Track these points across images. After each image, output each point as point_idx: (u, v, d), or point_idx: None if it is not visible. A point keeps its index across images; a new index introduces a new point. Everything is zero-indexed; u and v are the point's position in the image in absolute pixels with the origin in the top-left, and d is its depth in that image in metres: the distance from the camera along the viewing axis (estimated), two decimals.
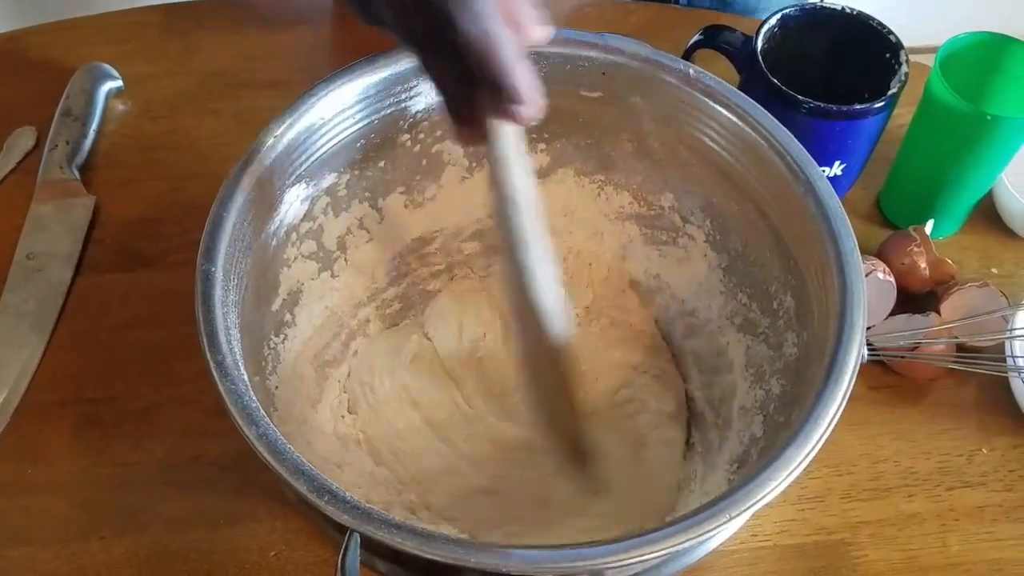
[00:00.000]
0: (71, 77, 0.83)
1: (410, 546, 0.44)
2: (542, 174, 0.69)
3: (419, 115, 0.63)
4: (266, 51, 0.89)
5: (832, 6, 0.74)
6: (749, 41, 0.73)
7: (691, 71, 0.62)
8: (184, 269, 0.73)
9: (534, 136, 0.67)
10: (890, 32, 0.72)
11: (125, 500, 0.64)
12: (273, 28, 0.91)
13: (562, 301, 0.56)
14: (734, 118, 0.61)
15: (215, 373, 0.49)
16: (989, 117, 0.68)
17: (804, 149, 0.59)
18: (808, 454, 0.48)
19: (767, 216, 0.61)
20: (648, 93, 0.63)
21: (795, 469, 0.48)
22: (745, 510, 0.47)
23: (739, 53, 0.73)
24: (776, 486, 0.47)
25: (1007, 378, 0.70)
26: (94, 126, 0.81)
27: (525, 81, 0.45)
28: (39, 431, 0.67)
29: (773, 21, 0.73)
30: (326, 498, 0.45)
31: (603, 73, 0.63)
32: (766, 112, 0.60)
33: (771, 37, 0.73)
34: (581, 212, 0.71)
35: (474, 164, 0.67)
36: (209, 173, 0.78)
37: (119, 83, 0.84)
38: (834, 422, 0.50)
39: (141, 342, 0.71)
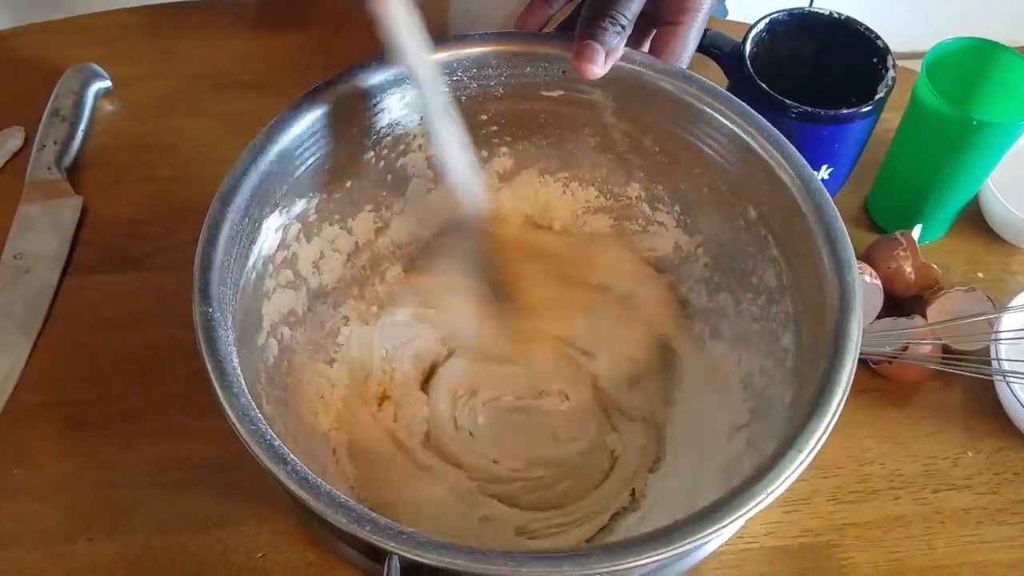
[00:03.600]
0: (59, 78, 0.83)
1: (460, 564, 0.45)
2: (506, 177, 0.69)
3: (383, 131, 0.63)
4: (253, 52, 0.89)
5: (820, 11, 0.74)
6: (737, 45, 0.73)
7: (651, 59, 0.62)
8: (172, 270, 0.74)
9: (496, 140, 0.67)
10: (877, 37, 0.72)
11: (112, 502, 0.64)
12: (260, 30, 0.91)
13: (469, 165, 0.61)
14: (695, 102, 0.61)
15: (233, 416, 0.48)
16: (975, 122, 0.68)
17: (767, 121, 0.60)
18: (804, 459, 0.49)
19: (739, 195, 0.62)
20: (609, 87, 0.63)
21: (790, 475, 0.49)
22: (738, 518, 0.47)
23: (728, 57, 0.74)
24: (773, 491, 0.48)
25: (992, 381, 0.70)
26: (82, 127, 0.81)
27: None
28: (26, 433, 0.67)
29: (762, 26, 0.74)
30: (368, 527, 0.45)
31: (563, 72, 0.63)
32: (726, 92, 0.61)
33: (759, 41, 0.73)
34: (552, 211, 0.71)
35: (438, 175, 0.67)
36: (196, 174, 0.79)
37: (107, 84, 0.84)
38: (830, 429, 0.50)
39: (128, 343, 0.71)
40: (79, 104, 0.82)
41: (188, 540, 0.63)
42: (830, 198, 0.57)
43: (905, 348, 0.70)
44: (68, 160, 0.79)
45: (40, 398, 0.68)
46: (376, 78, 0.60)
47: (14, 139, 0.81)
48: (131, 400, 0.68)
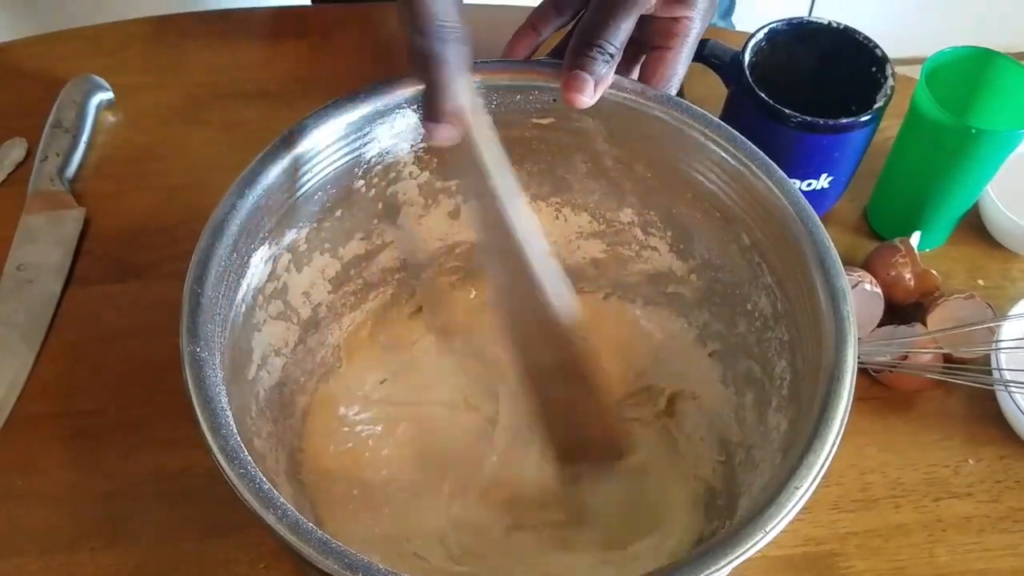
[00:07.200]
0: (62, 88, 0.83)
1: None
2: None
3: (373, 160, 0.62)
4: (255, 62, 0.89)
5: (819, 20, 0.75)
6: (737, 55, 0.73)
7: (640, 87, 0.62)
8: (174, 280, 0.73)
9: None
10: (876, 46, 0.73)
11: (114, 511, 0.64)
12: (262, 39, 0.91)
13: (556, 271, 0.59)
14: (685, 128, 0.61)
15: (222, 459, 0.48)
16: (974, 130, 0.68)
17: (759, 149, 0.59)
18: (807, 489, 0.49)
19: (731, 221, 0.61)
20: (600, 114, 0.62)
21: (795, 506, 0.48)
22: (740, 556, 0.47)
23: (727, 67, 0.74)
24: (775, 525, 0.48)
25: (994, 389, 0.70)
26: (84, 137, 0.81)
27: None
28: (29, 442, 0.67)
29: (761, 35, 0.74)
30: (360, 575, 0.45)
31: (553, 100, 0.62)
32: (716, 119, 0.61)
33: (758, 51, 0.74)
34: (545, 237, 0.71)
35: (430, 201, 0.67)
36: (199, 184, 0.79)
37: (109, 95, 0.85)
38: (830, 459, 0.49)
39: (131, 353, 0.71)
40: (81, 115, 0.82)
41: (190, 549, 0.63)
42: (822, 226, 0.56)
43: (905, 357, 0.70)
44: (70, 171, 0.80)
45: (43, 408, 0.69)
46: (365, 108, 0.59)
47: (16, 150, 0.81)
48: (134, 410, 0.69)
